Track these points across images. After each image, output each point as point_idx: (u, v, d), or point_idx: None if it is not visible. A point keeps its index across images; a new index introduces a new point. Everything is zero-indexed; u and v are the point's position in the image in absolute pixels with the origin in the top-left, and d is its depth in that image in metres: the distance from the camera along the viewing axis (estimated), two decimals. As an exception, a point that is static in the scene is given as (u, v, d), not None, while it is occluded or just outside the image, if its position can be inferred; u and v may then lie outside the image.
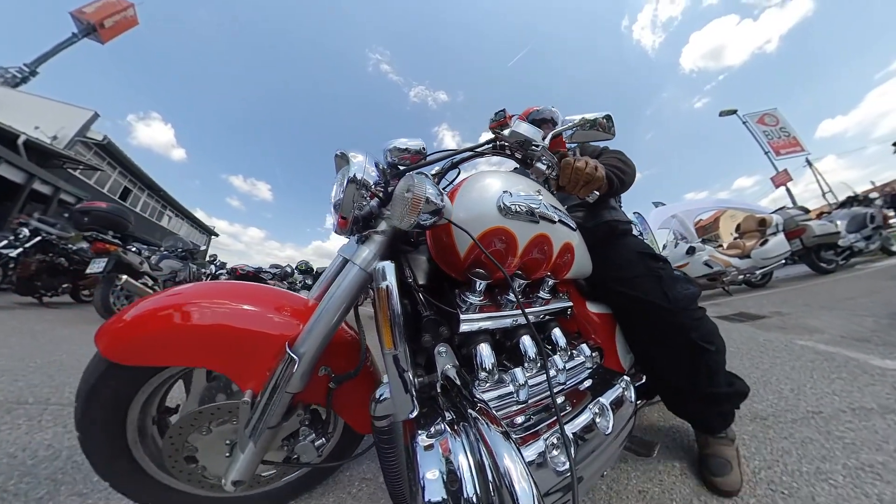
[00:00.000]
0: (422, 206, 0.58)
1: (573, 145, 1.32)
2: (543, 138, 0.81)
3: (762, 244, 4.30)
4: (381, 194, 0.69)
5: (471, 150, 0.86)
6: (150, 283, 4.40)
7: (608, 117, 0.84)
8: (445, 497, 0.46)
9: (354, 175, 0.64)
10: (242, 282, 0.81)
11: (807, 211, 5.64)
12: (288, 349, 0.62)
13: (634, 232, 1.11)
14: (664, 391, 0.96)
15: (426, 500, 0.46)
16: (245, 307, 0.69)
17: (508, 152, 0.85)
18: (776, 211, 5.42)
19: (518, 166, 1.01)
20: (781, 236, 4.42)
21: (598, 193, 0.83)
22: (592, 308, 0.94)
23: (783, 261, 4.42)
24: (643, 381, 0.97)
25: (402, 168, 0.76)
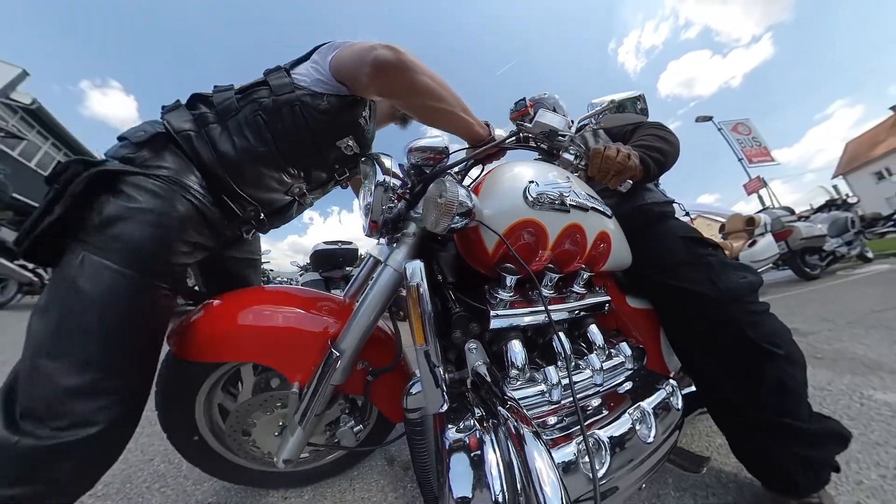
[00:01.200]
0: (455, 211, 0.59)
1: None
2: (569, 126, 0.76)
3: (750, 245, 3.70)
4: (407, 196, 0.71)
5: (494, 144, 0.83)
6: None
7: (640, 97, 0.76)
8: (471, 492, 0.46)
9: (382, 179, 0.68)
10: (288, 286, 0.96)
11: (792, 212, 5.18)
12: (330, 346, 0.67)
13: (678, 214, 0.97)
14: (720, 415, 0.78)
15: (452, 493, 0.47)
16: (291, 309, 0.77)
17: (533, 144, 0.81)
18: (762, 210, 5.06)
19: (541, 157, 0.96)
20: (770, 237, 3.85)
21: (630, 183, 0.76)
22: (633, 303, 0.86)
23: (770, 265, 3.86)
24: (693, 386, 0.85)
25: (426, 169, 0.75)
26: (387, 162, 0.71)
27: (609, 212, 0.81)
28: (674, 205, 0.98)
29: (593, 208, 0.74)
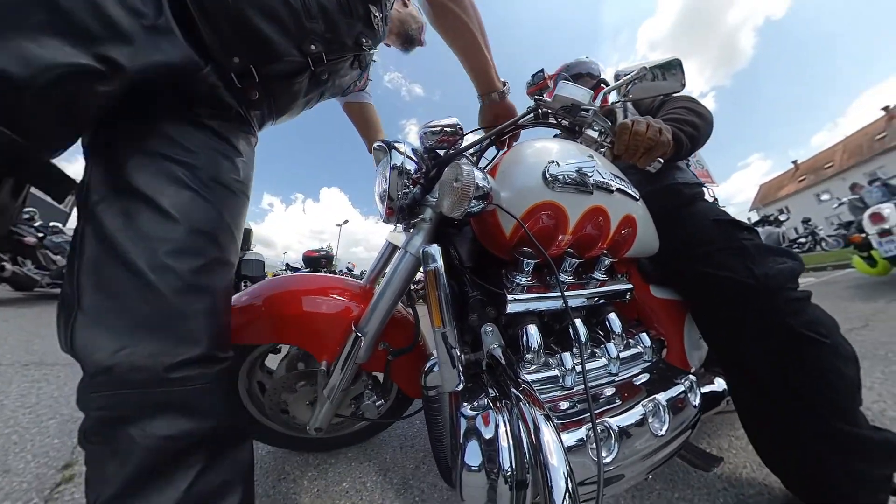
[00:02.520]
0: (471, 194, 0.58)
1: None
2: (593, 99, 0.68)
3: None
4: (422, 181, 0.70)
5: (510, 123, 0.78)
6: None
7: (676, 63, 0.67)
8: (481, 465, 0.49)
9: (395, 164, 0.68)
10: (313, 274, 1.03)
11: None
12: (353, 328, 0.72)
13: (707, 196, 0.89)
14: (753, 416, 0.72)
15: (465, 465, 0.50)
16: (318, 295, 0.83)
17: (553, 121, 0.75)
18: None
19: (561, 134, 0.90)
20: None
21: (661, 162, 0.69)
22: (657, 293, 0.83)
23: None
24: (713, 384, 0.80)
25: (440, 152, 0.74)
26: (401, 147, 0.71)
27: (636, 194, 0.76)
28: (703, 188, 0.90)
29: (619, 189, 0.70)
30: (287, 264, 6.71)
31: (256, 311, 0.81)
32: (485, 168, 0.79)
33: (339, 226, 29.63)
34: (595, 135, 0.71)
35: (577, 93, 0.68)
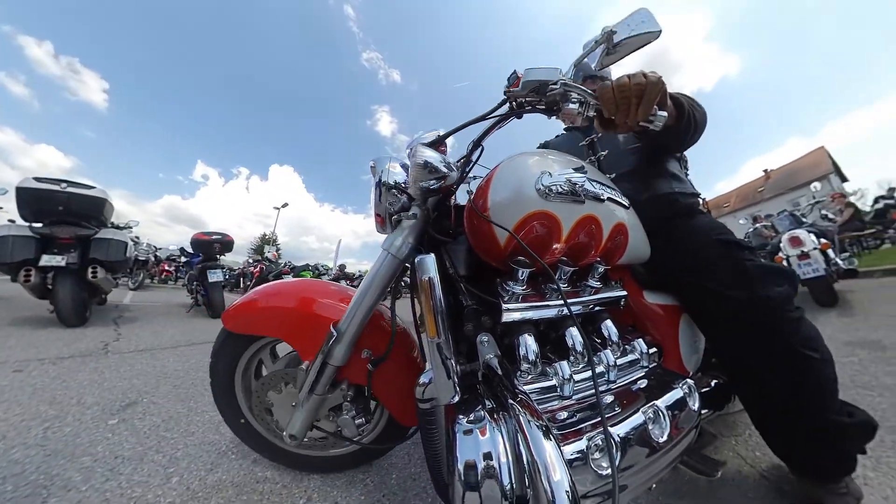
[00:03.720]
0: (428, 173, 0.63)
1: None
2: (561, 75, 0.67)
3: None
4: (408, 190, 0.73)
5: (486, 115, 0.76)
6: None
7: (643, 11, 0.60)
8: (479, 482, 0.48)
9: (380, 178, 0.75)
10: (313, 279, 1.05)
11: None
12: (332, 327, 0.73)
13: (702, 207, 0.91)
14: (759, 413, 0.79)
15: (461, 482, 0.49)
16: (311, 295, 0.86)
17: (529, 107, 0.73)
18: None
19: (548, 141, 0.89)
20: None
21: (665, 115, 0.61)
22: (651, 298, 0.83)
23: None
24: (711, 387, 0.83)
25: None
26: (391, 164, 0.75)
27: (626, 203, 0.77)
28: (699, 199, 0.92)
29: (610, 199, 0.71)
30: (182, 249, 5.90)
31: (253, 305, 0.87)
32: (469, 170, 0.80)
33: (278, 209, 24.52)
34: (575, 106, 0.65)
35: (543, 72, 0.67)
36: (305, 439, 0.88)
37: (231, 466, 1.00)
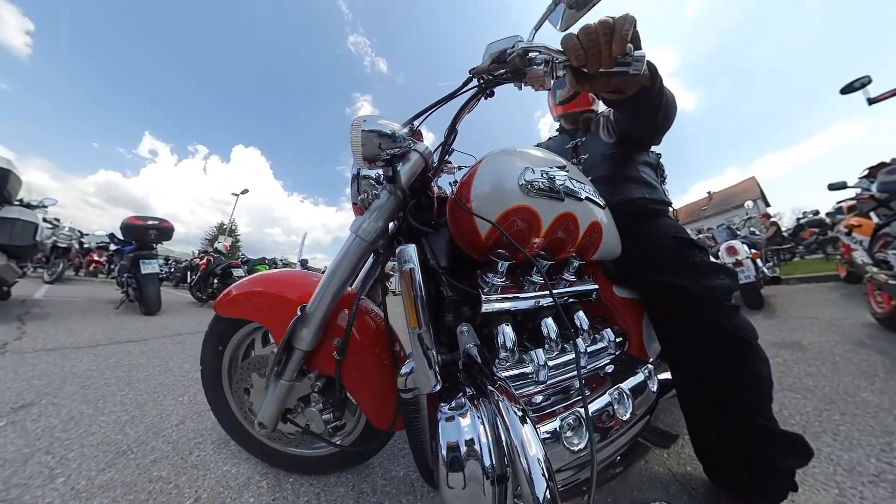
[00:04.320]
0: (360, 144, 0.64)
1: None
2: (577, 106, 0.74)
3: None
4: (382, 180, 0.77)
5: (453, 94, 0.78)
6: None
7: None
8: (462, 465, 0.51)
9: (359, 170, 0.79)
10: (298, 270, 1.05)
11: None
12: (299, 308, 0.74)
13: (671, 214, 1.03)
14: (693, 407, 0.81)
15: (446, 466, 0.51)
16: (288, 282, 0.89)
17: (495, 81, 0.74)
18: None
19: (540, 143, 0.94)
20: None
21: (643, 53, 0.57)
22: (619, 292, 0.92)
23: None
24: (667, 372, 0.91)
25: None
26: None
27: (602, 202, 0.84)
28: (669, 207, 1.03)
29: (588, 198, 0.77)
30: (111, 235, 5.26)
31: (237, 292, 0.92)
32: (450, 159, 0.83)
33: (237, 195, 22.06)
34: (540, 67, 0.64)
35: (503, 42, 0.69)
36: (287, 433, 0.91)
37: (127, 466, 0.98)
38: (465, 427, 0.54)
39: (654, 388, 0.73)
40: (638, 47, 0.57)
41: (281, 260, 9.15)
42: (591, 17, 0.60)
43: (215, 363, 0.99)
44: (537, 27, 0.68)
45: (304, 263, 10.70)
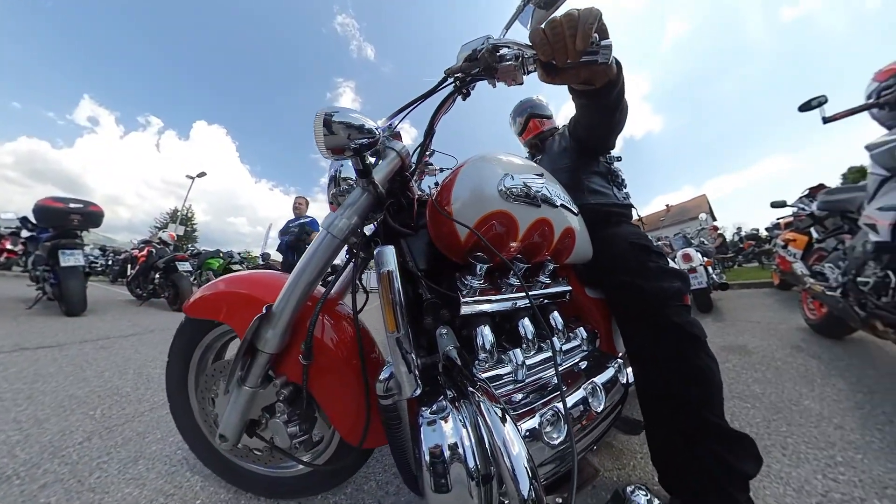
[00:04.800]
0: (323, 134, 0.61)
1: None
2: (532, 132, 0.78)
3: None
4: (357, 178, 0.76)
5: (428, 93, 0.80)
6: None
7: None
8: (447, 468, 0.51)
9: (335, 171, 0.80)
10: (273, 271, 1.00)
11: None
12: (264, 308, 0.70)
13: (634, 220, 1.13)
14: (649, 402, 0.83)
15: (430, 470, 0.51)
16: (257, 281, 0.86)
17: (469, 78, 0.78)
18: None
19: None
20: None
21: (610, 42, 0.59)
22: (591, 293, 0.98)
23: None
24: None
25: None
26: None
27: (576, 210, 0.90)
28: (632, 209, 1.13)
29: (562, 205, 0.82)
30: (23, 219, 4.52)
31: (205, 293, 0.90)
32: (444, 178, 0.84)
33: (192, 178, 19.48)
34: (510, 62, 0.67)
35: (474, 43, 0.74)
36: (253, 449, 0.84)
37: (8, 494, 0.91)
38: (447, 430, 0.54)
39: (624, 381, 0.79)
40: (605, 37, 0.60)
41: (239, 254, 7.93)
42: (559, 12, 0.64)
43: (182, 367, 0.95)
44: (507, 27, 0.72)
45: (266, 257, 9.44)
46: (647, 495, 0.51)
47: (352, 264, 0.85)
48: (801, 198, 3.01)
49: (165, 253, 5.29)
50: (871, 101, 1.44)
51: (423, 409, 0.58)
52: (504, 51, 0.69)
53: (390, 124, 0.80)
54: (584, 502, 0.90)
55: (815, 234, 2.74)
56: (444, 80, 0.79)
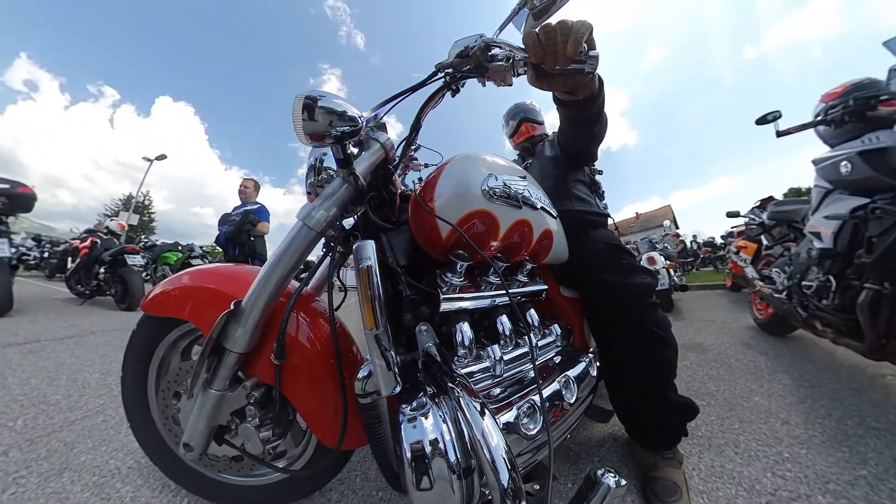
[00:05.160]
0: (302, 118, 0.57)
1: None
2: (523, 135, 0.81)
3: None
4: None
5: (417, 86, 0.81)
6: None
7: None
8: (429, 463, 0.52)
9: (315, 160, 0.78)
10: (244, 265, 0.94)
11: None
12: (233, 303, 0.66)
13: (609, 225, 1.22)
14: (615, 386, 1.00)
15: (412, 467, 0.52)
16: (224, 275, 0.82)
17: (459, 75, 0.79)
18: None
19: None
20: None
21: (598, 53, 0.64)
22: (565, 292, 1.04)
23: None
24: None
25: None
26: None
27: (555, 213, 0.95)
28: (608, 218, 1.22)
29: (542, 208, 0.86)
30: None
31: (165, 288, 0.84)
32: (429, 174, 0.84)
33: (150, 161, 16.82)
34: (501, 63, 0.69)
35: (467, 40, 0.75)
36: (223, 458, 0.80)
37: None
38: (428, 426, 0.55)
39: (594, 373, 0.85)
40: (593, 48, 0.64)
41: (202, 247, 7.17)
42: (554, 20, 0.67)
43: (140, 370, 0.88)
44: (501, 28, 0.74)
45: None
46: (615, 477, 0.56)
47: (329, 258, 0.82)
48: (752, 208, 3.31)
49: (113, 244, 4.79)
50: (819, 118, 1.61)
51: (404, 406, 0.59)
52: (496, 51, 0.71)
53: (376, 115, 0.79)
54: (560, 487, 0.96)
55: (764, 242, 3.02)
56: (434, 74, 0.79)
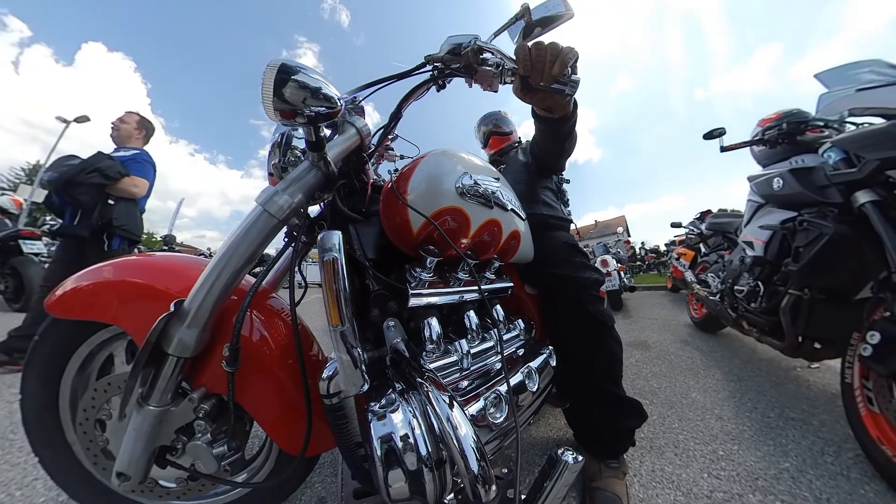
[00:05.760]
0: (273, 92, 0.52)
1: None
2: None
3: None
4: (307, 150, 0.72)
5: (404, 74, 0.82)
6: None
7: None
8: (401, 459, 0.53)
9: (280, 136, 0.74)
10: (182, 255, 0.82)
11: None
12: (173, 304, 0.58)
13: (571, 229, 1.35)
14: (568, 380, 1.01)
15: (383, 465, 0.53)
16: (156, 268, 0.73)
17: (448, 72, 0.81)
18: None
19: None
20: None
21: (579, 78, 0.71)
22: (529, 290, 1.12)
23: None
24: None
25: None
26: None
27: (524, 215, 1.01)
28: (571, 223, 1.34)
29: (512, 209, 0.91)
30: None
31: (80, 284, 0.71)
32: (404, 166, 0.85)
33: (66, 122, 12.56)
34: (490, 68, 0.73)
35: (461, 37, 0.76)
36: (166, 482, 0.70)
37: None
38: (398, 422, 0.55)
39: (554, 364, 0.93)
40: (575, 73, 0.71)
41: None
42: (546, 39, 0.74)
43: (49, 387, 0.74)
44: (496, 34, 0.77)
45: (169, 240, 7.43)
46: (573, 454, 0.61)
47: (291, 249, 0.77)
48: (693, 220, 3.76)
49: (6, 227, 4.06)
50: (757, 137, 1.86)
51: (372, 403, 0.59)
52: (487, 55, 0.73)
53: (355, 98, 0.77)
54: (525, 470, 1.03)
55: (702, 249, 3.43)
56: (423, 65, 0.80)
